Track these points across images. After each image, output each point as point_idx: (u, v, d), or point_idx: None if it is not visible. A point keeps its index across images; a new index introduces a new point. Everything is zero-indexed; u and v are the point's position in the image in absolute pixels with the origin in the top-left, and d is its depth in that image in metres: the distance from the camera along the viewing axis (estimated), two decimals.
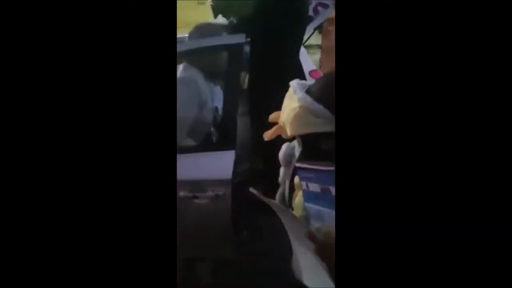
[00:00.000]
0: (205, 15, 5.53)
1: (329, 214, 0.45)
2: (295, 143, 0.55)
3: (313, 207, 0.47)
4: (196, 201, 1.28)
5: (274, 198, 0.62)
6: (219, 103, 1.47)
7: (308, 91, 0.51)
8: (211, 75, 1.45)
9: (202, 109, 1.40)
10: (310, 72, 1.83)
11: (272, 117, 0.56)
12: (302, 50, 1.93)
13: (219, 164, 1.25)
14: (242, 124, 1.55)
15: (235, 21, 1.81)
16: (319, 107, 0.48)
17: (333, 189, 0.45)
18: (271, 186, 0.64)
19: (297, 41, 1.89)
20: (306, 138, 0.51)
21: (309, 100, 0.49)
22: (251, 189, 0.51)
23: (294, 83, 0.54)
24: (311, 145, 0.50)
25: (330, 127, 0.47)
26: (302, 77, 1.83)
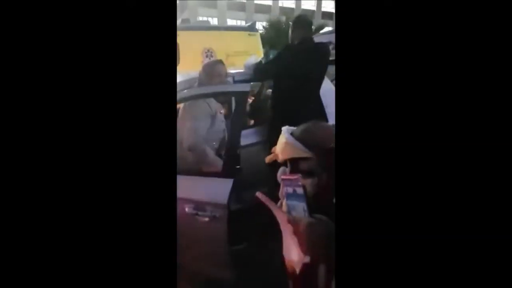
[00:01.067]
0: (255, 45, 5.87)
1: (299, 205, 0.69)
2: (287, 166, 0.80)
3: (289, 202, 0.70)
4: (198, 217, 1.48)
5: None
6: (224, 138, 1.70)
7: (292, 133, 0.79)
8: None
9: (212, 137, 1.65)
10: None
11: (273, 149, 0.83)
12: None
13: (219, 190, 1.44)
14: (258, 152, 1.75)
15: (263, 62, 2.03)
16: (297, 143, 0.75)
17: (298, 189, 0.70)
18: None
19: (319, 81, 2.04)
20: (291, 161, 0.78)
21: (291, 139, 0.76)
22: (258, 193, 0.73)
23: (284, 129, 0.82)
24: (294, 165, 0.77)
25: (305, 155, 0.75)
26: (322, 111, 1.95)
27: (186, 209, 1.49)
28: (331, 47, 1.98)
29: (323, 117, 1.91)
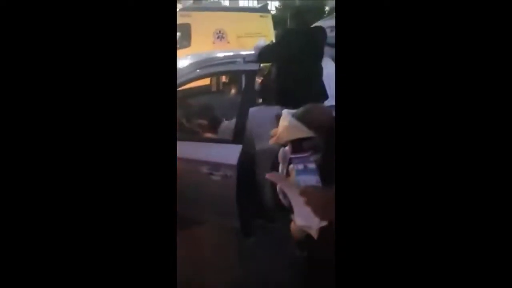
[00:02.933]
0: (266, 27, 6.03)
1: (311, 179, 0.75)
2: (288, 147, 0.87)
3: (300, 177, 0.77)
4: (212, 177, 1.80)
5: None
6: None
7: (294, 115, 0.86)
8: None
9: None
10: None
11: (273, 131, 0.89)
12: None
13: (231, 153, 1.76)
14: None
15: (271, 45, 2.29)
16: (299, 124, 0.81)
17: (310, 165, 0.76)
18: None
19: (316, 63, 2.27)
20: (294, 142, 0.83)
21: (294, 121, 0.83)
22: (268, 175, 0.78)
23: (284, 112, 0.88)
24: (296, 145, 0.82)
25: (308, 134, 0.79)
26: (323, 91, 2.20)
27: (204, 170, 1.81)
28: (328, 29, 2.21)
29: (324, 96, 2.15)
